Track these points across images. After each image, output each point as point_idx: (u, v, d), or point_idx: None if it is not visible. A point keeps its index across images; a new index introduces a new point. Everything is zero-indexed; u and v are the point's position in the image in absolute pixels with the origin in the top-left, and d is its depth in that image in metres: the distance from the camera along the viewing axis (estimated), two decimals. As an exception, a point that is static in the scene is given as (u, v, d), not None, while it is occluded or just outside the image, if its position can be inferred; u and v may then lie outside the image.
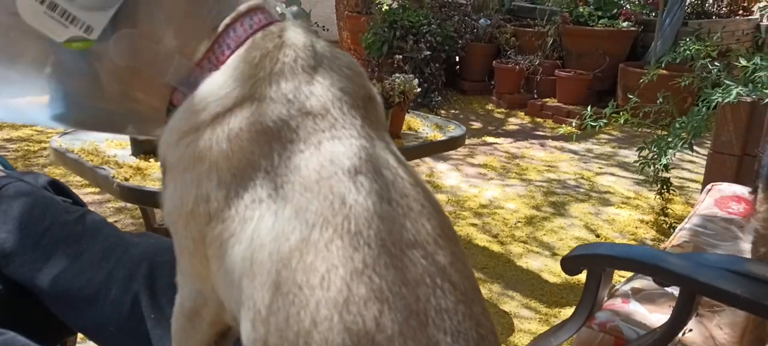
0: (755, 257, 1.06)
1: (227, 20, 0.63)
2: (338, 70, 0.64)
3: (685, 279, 0.88)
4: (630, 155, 3.98)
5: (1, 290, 1.03)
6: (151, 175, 1.65)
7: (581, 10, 5.21)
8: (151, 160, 1.73)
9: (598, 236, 2.79)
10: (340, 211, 0.54)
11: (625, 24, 5.05)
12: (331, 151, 0.57)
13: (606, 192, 3.34)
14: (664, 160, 2.69)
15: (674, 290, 1.17)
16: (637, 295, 1.17)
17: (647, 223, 2.94)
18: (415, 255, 0.54)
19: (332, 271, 0.52)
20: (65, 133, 1.89)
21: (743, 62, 2.33)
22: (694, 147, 2.64)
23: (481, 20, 5.51)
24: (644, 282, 1.21)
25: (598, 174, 3.64)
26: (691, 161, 3.73)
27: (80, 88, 0.68)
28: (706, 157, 3.61)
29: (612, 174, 3.64)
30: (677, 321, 0.92)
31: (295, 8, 6.85)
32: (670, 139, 2.62)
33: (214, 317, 0.67)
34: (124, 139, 1.84)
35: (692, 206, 3.23)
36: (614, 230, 2.85)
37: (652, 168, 2.79)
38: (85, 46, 0.61)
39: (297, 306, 0.53)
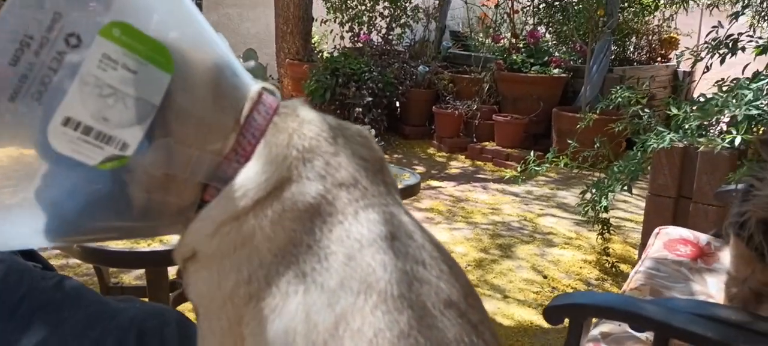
0: (727, 297, 1.14)
1: (245, 111, 0.65)
2: (352, 139, 0.68)
3: (661, 325, 0.95)
4: (567, 196, 4.15)
5: (-27, 365, 0.98)
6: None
7: (514, 57, 5.45)
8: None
9: (545, 276, 2.89)
10: (382, 276, 0.58)
11: (556, 71, 5.31)
12: (368, 219, 0.61)
13: (548, 233, 3.47)
14: (604, 203, 2.83)
15: (641, 334, 1.25)
16: (606, 339, 1.23)
17: (590, 262, 3.06)
18: (452, 315, 0.58)
19: (380, 335, 0.55)
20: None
21: (675, 110, 2.50)
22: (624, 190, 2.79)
23: (420, 67, 5.67)
24: (611, 326, 1.27)
25: (539, 215, 3.77)
26: (625, 201, 3.92)
27: (98, 207, 0.64)
28: (639, 198, 3.83)
29: (552, 215, 3.79)
30: (653, 364, 0.98)
31: (252, 63, 6.83)
32: (609, 182, 2.76)
33: None
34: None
35: (630, 245, 3.41)
36: (560, 271, 2.96)
37: (592, 210, 2.92)
38: (121, 164, 0.59)
39: None
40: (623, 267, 3.01)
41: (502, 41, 5.83)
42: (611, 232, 3.17)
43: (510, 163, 4.75)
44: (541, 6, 6.03)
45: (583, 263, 3.06)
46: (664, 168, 2.50)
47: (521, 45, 5.56)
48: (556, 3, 5.94)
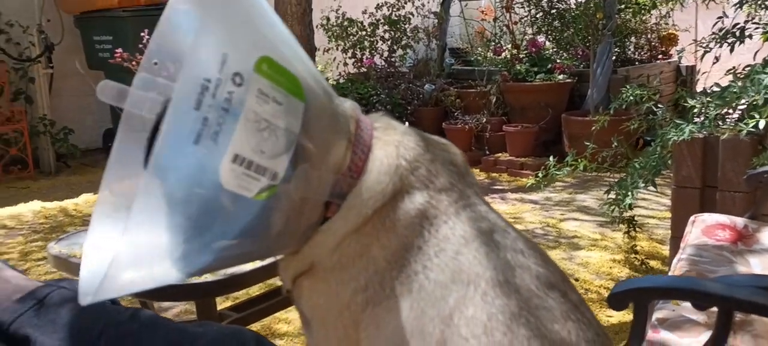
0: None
1: (351, 128, 0.69)
2: (438, 146, 0.72)
3: (725, 299, 0.97)
4: (587, 199, 4.17)
5: (60, 401, 1.01)
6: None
7: (518, 67, 5.51)
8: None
9: (576, 279, 2.90)
10: (488, 266, 0.62)
11: (560, 77, 5.36)
12: (467, 217, 0.65)
13: (573, 236, 3.49)
14: (628, 200, 2.85)
15: (696, 316, 1.27)
16: (663, 324, 1.26)
17: (619, 262, 3.08)
18: (556, 295, 0.62)
19: (493, 318, 0.59)
20: (60, 240, 1.86)
21: (691, 102, 2.54)
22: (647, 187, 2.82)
23: (426, 86, 5.73)
24: (666, 312, 1.29)
25: (561, 220, 3.79)
26: (645, 199, 3.94)
27: (243, 235, 0.65)
28: (659, 195, 3.84)
29: (575, 219, 3.80)
30: (719, 338, 1.00)
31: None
32: (632, 180, 2.79)
33: None
34: (124, 237, 1.82)
35: (656, 241, 3.42)
36: (590, 273, 2.97)
37: (616, 209, 2.94)
38: (272, 193, 0.61)
39: None
40: (653, 263, 3.02)
41: (503, 53, 5.89)
42: (637, 229, 3.19)
43: (525, 172, 4.78)
44: (538, 16, 6.09)
45: (612, 262, 3.07)
46: (686, 159, 2.53)
47: (523, 55, 5.62)
48: (553, 11, 6.01)
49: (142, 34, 1.76)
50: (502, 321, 0.60)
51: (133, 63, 1.99)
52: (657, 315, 1.29)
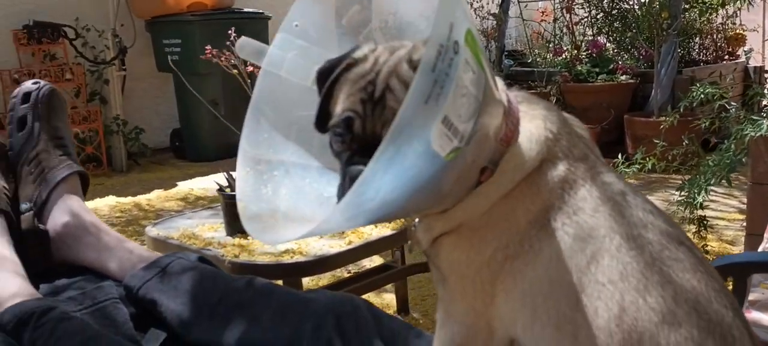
0: None
1: (505, 99, 0.75)
2: (570, 119, 0.79)
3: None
4: (653, 200, 4.10)
5: (186, 357, 1.10)
6: (255, 250, 1.73)
7: (579, 68, 5.46)
8: (249, 238, 1.81)
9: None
10: (622, 222, 0.67)
11: (623, 77, 5.30)
12: (602, 181, 0.71)
13: (640, 236, 3.44)
14: (700, 199, 2.82)
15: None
16: (755, 305, 1.27)
17: (689, 260, 3.03)
18: (684, 250, 0.67)
19: (628, 266, 0.65)
20: (157, 223, 1.98)
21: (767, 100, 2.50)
22: (722, 182, 2.77)
23: (485, 87, 5.74)
24: (757, 295, 1.30)
25: (627, 220, 3.75)
26: (713, 201, 3.86)
27: (418, 192, 0.69)
28: (728, 196, 3.77)
29: (640, 219, 3.76)
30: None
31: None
32: (705, 178, 2.75)
33: None
34: (217, 222, 1.93)
35: (726, 242, 3.35)
36: (660, 270, 2.94)
37: (689, 209, 2.91)
38: (457, 154, 0.65)
39: (603, 299, 0.64)
40: (725, 262, 2.96)
41: (563, 54, 5.86)
42: (709, 229, 3.14)
43: (587, 172, 4.74)
44: (598, 16, 6.03)
45: (682, 261, 3.03)
46: (763, 156, 2.49)
47: (584, 55, 5.57)
48: (614, 12, 5.94)
49: (230, 32, 1.87)
50: (637, 268, 0.65)
51: (222, 59, 2.10)
52: (749, 297, 1.29)
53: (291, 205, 0.84)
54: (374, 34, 0.93)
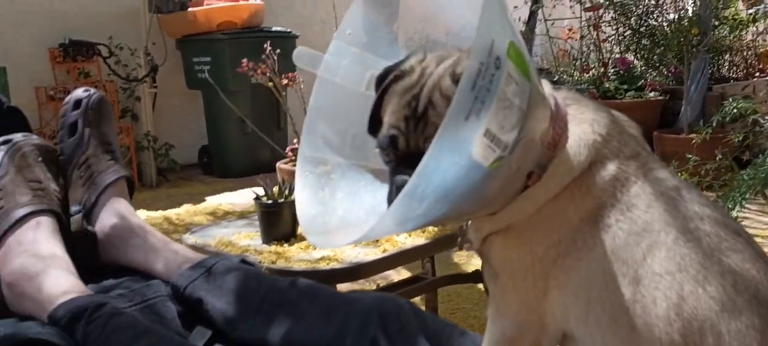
0: None
1: (552, 103, 0.76)
2: (621, 119, 0.80)
3: None
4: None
5: (230, 355, 1.11)
6: (291, 257, 1.76)
7: (607, 85, 5.44)
8: (285, 245, 1.84)
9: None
10: (677, 216, 0.68)
11: (652, 94, 5.26)
12: (655, 177, 0.73)
13: (672, 252, 3.40)
14: (735, 213, 2.78)
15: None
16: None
17: (724, 276, 2.99)
18: (742, 241, 0.68)
19: (686, 258, 0.66)
20: (194, 232, 2.02)
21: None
22: (756, 199, 2.73)
23: (511, 104, 5.74)
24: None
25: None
26: (746, 217, 3.80)
27: (463, 198, 0.71)
28: (760, 213, 3.70)
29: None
30: None
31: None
32: (741, 191, 2.72)
33: (533, 342, 0.79)
34: (252, 231, 1.97)
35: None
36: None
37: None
38: (500, 163, 0.67)
39: (661, 290, 0.65)
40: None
41: (591, 72, 5.84)
42: (742, 244, 3.09)
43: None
44: (626, 34, 6.01)
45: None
46: (800, 169, 2.46)
47: (611, 72, 5.55)
48: (642, 29, 5.92)
49: (266, 46, 1.91)
50: (695, 259, 0.66)
51: (259, 72, 2.14)
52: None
53: (346, 207, 0.86)
54: (414, 38, 0.96)
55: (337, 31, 0.90)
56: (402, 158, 0.76)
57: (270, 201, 1.89)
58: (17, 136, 1.27)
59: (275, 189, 1.92)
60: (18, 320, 1.08)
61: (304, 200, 0.84)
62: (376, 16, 0.90)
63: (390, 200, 0.77)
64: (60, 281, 1.11)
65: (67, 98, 1.38)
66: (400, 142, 0.75)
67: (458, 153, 0.63)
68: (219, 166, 5.66)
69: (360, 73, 0.91)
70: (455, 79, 0.73)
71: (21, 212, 1.18)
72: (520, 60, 0.66)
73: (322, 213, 0.86)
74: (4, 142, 1.25)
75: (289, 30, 5.51)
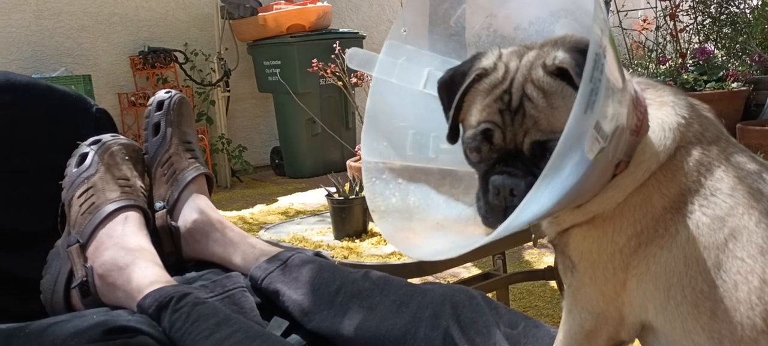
0: None
1: (632, 90, 0.75)
2: (697, 103, 0.77)
3: None
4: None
5: (306, 344, 1.14)
6: (363, 252, 1.79)
7: (685, 76, 5.22)
8: (356, 241, 1.88)
9: None
10: (761, 199, 0.67)
11: (734, 85, 5.01)
12: (737, 161, 0.71)
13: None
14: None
15: None
16: None
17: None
18: None
19: None
20: (268, 229, 2.08)
21: None
22: None
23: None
24: None
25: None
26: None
27: (564, 197, 0.69)
28: None
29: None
30: None
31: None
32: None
33: (611, 333, 0.78)
34: (324, 228, 2.01)
35: None
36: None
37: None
38: (602, 154, 0.66)
39: (743, 273, 0.64)
40: None
41: (667, 63, 5.62)
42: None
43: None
44: (705, 23, 5.76)
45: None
46: None
47: (689, 63, 5.32)
48: (723, 17, 5.65)
49: (335, 46, 1.95)
50: None
51: (328, 72, 2.19)
52: None
53: (422, 210, 0.86)
54: (480, 34, 0.95)
55: (391, 31, 0.90)
56: (497, 155, 0.74)
57: (341, 198, 1.92)
58: (106, 137, 1.35)
59: (346, 186, 1.95)
60: (109, 309, 1.15)
61: (378, 210, 0.84)
62: (433, 13, 0.90)
63: (486, 204, 0.75)
64: (147, 272, 1.17)
65: (151, 99, 1.45)
66: (496, 135, 0.73)
67: (575, 149, 0.62)
68: (290, 167, 5.80)
69: (417, 72, 0.90)
70: (548, 71, 0.72)
71: (110, 207, 1.25)
72: (612, 45, 0.65)
73: (399, 220, 0.86)
74: (94, 142, 1.33)
75: (356, 31, 5.58)
